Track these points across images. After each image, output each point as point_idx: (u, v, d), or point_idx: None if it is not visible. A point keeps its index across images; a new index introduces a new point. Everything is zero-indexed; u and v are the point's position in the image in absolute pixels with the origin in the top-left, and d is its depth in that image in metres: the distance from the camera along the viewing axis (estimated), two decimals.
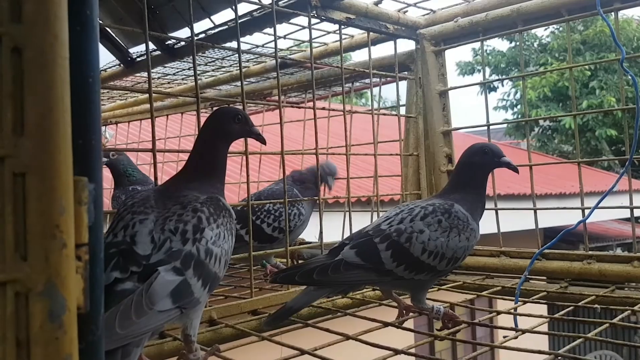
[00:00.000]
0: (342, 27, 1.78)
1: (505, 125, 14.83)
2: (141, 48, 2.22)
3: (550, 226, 5.38)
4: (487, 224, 1.88)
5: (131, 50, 2.28)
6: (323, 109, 1.78)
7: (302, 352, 1.08)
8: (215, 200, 1.04)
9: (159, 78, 2.67)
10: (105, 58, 2.43)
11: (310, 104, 1.72)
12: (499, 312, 1.40)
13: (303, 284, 1.24)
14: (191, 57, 2.27)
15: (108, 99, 3.23)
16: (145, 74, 2.60)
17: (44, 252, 0.56)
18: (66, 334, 0.56)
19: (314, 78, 1.62)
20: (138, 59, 2.25)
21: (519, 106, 14.24)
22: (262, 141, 1.19)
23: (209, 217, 0.98)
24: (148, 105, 3.03)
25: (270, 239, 1.88)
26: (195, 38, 1.90)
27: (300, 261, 2.14)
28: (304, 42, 1.82)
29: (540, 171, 8.05)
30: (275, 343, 1.14)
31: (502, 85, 14.70)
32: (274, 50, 1.62)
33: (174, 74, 2.62)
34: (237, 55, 2.40)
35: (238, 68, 2.45)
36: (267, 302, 1.40)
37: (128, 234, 0.92)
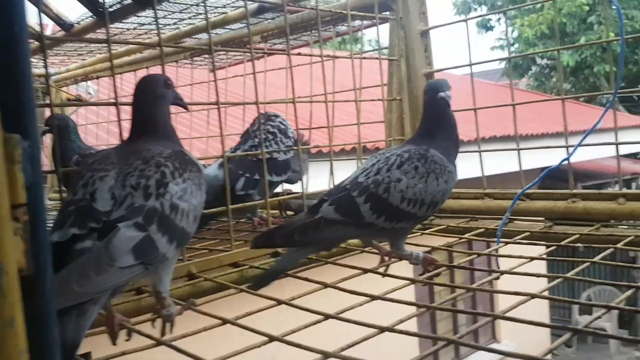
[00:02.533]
0: None
1: (503, 66, 14.58)
2: None
3: (546, 165, 5.38)
4: (475, 168, 1.86)
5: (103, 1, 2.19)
6: (299, 54, 1.72)
7: (280, 302, 1.08)
8: (180, 154, 1.02)
9: (134, 28, 2.58)
10: (79, 10, 2.35)
11: (292, 50, 1.66)
12: (478, 254, 1.40)
13: (285, 246, 1.22)
14: (164, 4, 2.19)
15: (88, 52, 3.14)
16: (120, 25, 2.52)
17: None
18: (6, 297, 0.55)
19: (287, 23, 1.55)
20: (111, 9, 2.16)
21: (516, 45, 13.94)
22: (185, 106, 1.19)
23: (173, 172, 0.96)
24: (127, 58, 2.95)
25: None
26: None
27: (288, 212, 2.13)
28: None
29: (537, 111, 7.98)
30: (254, 295, 1.13)
31: (499, 24, 14.37)
32: None
33: (149, 24, 2.52)
34: (215, 1, 2.32)
35: (216, 14, 2.37)
36: (248, 254, 1.40)
37: (88, 192, 0.90)
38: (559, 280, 1.13)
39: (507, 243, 1.49)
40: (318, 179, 2.08)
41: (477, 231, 1.63)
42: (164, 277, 0.98)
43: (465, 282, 6.66)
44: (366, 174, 1.24)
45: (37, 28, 2.48)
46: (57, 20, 2.33)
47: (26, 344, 0.57)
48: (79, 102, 3.22)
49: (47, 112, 3.65)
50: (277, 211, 2.13)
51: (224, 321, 0.98)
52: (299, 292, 1.11)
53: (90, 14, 2.28)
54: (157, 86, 1.08)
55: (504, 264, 1.33)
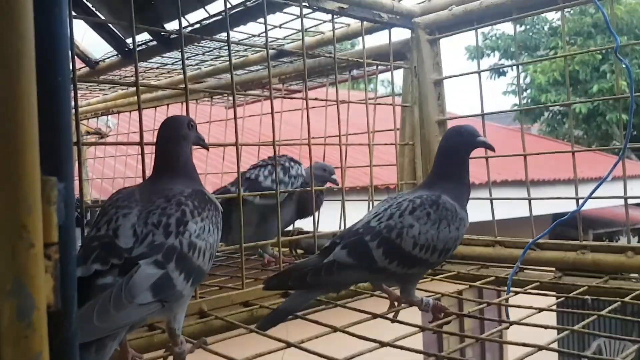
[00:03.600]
0: (335, 16, 1.77)
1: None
2: (138, 38, 2.22)
3: (560, 212, 5.35)
4: (485, 213, 1.88)
5: (128, 41, 2.28)
6: (316, 99, 1.77)
7: (289, 344, 1.09)
8: (200, 193, 1.05)
9: (157, 68, 2.67)
10: (104, 48, 2.44)
11: (308, 92, 1.72)
12: (489, 303, 1.41)
13: (297, 289, 1.24)
14: (187, 47, 2.28)
15: (109, 87, 3.24)
16: (144, 64, 2.60)
17: (11, 252, 0.57)
18: (35, 332, 0.57)
19: (305, 68, 1.62)
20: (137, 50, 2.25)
21: (528, 90, 14.09)
22: (206, 147, 1.24)
23: (193, 211, 0.99)
24: (149, 95, 3.04)
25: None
26: (190, 29, 1.91)
27: (299, 250, 2.15)
28: (299, 31, 1.81)
29: (549, 156, 7.98)
30: (263, 335, 1.15)
31: (512, 70, 14.54)
32: (270, 39, 1.61)
33: (172, 64, 2.62)
34: (235, 46, 2.41)
35: (237, 57, 2.45)
36: (259, 293, 1.41)
37: (111, 228, 0.93)
38: (566, 332, 1.13)
39: (517, 292, 1.49)
40: (328, 218, 2.10)
41: (488, 279, 1.64)
42: (179, 315, 1.00)
43: (474, 330, 6.54)
44: (378, 218, 1.27)
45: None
46: (83, 57, 2.42)
47: None
48: (102, 140, 3.31)
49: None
50: (287, 249, 2.15)
51: None
52: (308, 335, 1.13)
53: (115, 52, 2.38)
54: (181, 127, 1.12)
55: (514, 313, 1.34)
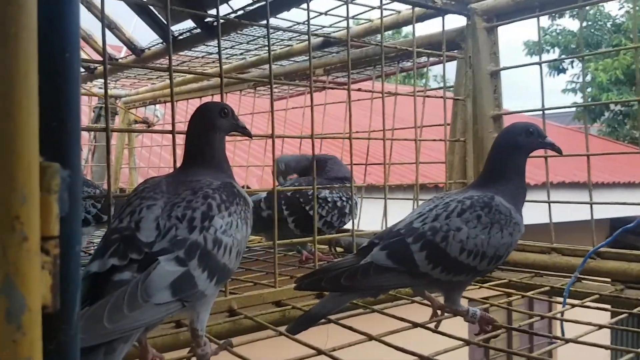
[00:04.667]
0: (385, 2, 1.66)
1: (574, 109, 14.07)
2: (183, 26, 2.19)
3: (618, 216, 5.03)
4: (542, 215, 1.74)
5: (173, 28, 2.25)
6: (359, 89, 1.67)
7: (319, 352, 1.01)
8: (229, 186, 0.98)
9: (202, 57, 2.64)
10: (149, 36, 2.42)
11: (354, 84, 1.63)
12: (542, 317, 1.28)
13: (330, 290, 1.15)
14: (231, 35, 2.23)
15: (157, 77, 3.25)
16: (190, 53, 2.57)
17: (1, 246, 0.51)
18: (25, 335, 0.51)
19: (350, 58, 1.52)
20: (180, 37, 2.22)
21: (589, 89, 13.44)
22: (248, 134, 1.16)
23: (220, 205, 0.92)
24: (195, 85, 3.02)
25: (318, 232, 1.76)
26: (233, 15, 1.85)
27: (338, 249, 2.07)
28: (345, 18, 1.71)
29: (608, 159, 7.56)
30: (293, 340, 1.07)
31: (572, 67, 13.92)
32: (315, 27, 1.53)
33: (217, 53, 2.57)
34: (283, 33, 2.34)
35: (281, 46, 2.38)
36: (292, 293, 1.34)
37: (134, 220, 0.87)
38: (631, 356, 1.00)
39: (573, 305, 1.36)
40: (370, 217, 2.01)
41: (542, 289, 1.50)
42: (202, 315, 0.93)
43: (523, 345, 6.26)
44: (423, 219, 1.17)
45: (109, 51, 2.58)
46: (129, 44, 2.41)
47: None
48: (130, 128, 3.32)
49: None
50: (327, 246, 2.07)
51: None
52: (341, 342, 1.04)
53: (161, 40, 2.35)
54: (212, 115, 1.05)
55: (569, 329, 1.21)
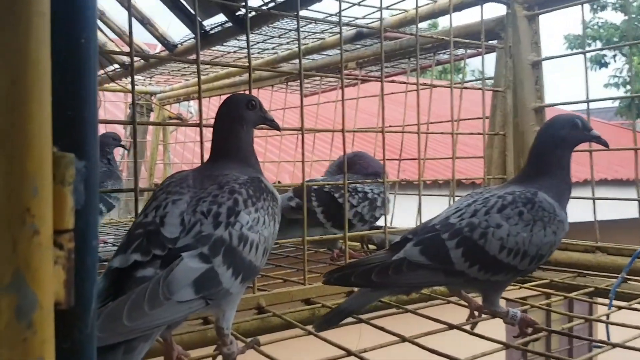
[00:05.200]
0: None
1: (616, 104, 13.58)
2: (215, 20, 2.17)
3: None
4: (585, 212, 1.65)
5: (205, 23, 2.24)
6: (392, 81, 1.62)
7: (349, 352, 0.97)
8: (256, 181, 0.95)
9: (235, 52, 2.62)
10: (181, 32, 2.42)
11: (388, 78, 1.57)
12: (586, 320, 1.20)
13: (360, 286, 1.11)
14: (263, 28, 2.20)
15: (191, 73, 3.25)
16: (222, 48, 2.56)
17: (11, 239, 0.48)
18: (36, 334, 0.49)
19: (382, 47, 1.47)
20: (211, 32, 2.20)
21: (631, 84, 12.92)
22: (276, 127, 1.12)
23: (246, 200, 0.89)
24: (227, 81, 3.02)
25: (350, 225, 1.68)
26: (265, 7, 1.81)
27: (370, 246, 2.02)
28: (379, 9, 1.65)
29: None
30: (321, 339, 1.03)
31: (615, 61, 13.41)
32: (348, 19, 1.48)
33: (250, 47, 2.55)
34: (315, 25, 2.30)
35: (314, 40, 2.34)
36: (321, 290, 1.30)
37: (159, 215, 0.85)
38: None
39: (620, 308, 1.27)
40: (403, 214, 1.95)
41: (585, 290, 1.42)
42: (228, 313, 0.90)
43: (561, 349, 6.05)
44: (460, 214, 1.11)
45: (144, 47, 2.59)
46: (162, 40, 2.41)
47: None
48: (158, 121, 3.34)
49: (150, 128, 3.84)
50: (359, 244, 2.03)
51: None
52: (372, 342, 1.00)
53: (193, 35, 2.35)
54: (238, 108, 1.02)
55: (615, 332, 1.13)
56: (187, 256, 0.78)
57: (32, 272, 0.49)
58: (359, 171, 1.82)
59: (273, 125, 1.10)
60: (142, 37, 3.71)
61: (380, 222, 1.89)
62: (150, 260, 0.78)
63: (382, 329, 1.08)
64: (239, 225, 0.85)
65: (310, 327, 1.07)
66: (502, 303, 1.18)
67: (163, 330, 0.77)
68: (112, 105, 4.32)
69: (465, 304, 1.23)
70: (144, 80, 3.51)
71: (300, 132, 1.29)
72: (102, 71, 2.92)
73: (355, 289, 1.26)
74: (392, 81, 1.64)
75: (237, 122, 1.01)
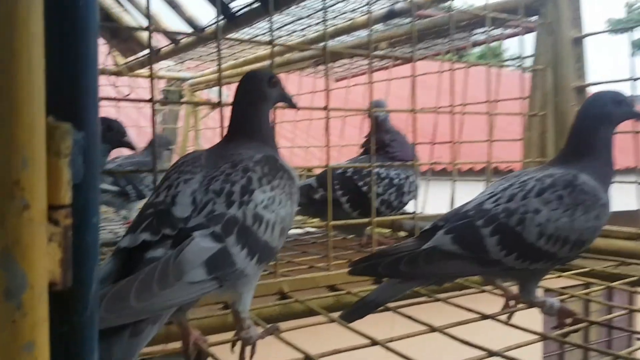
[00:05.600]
0: None
1: None
2: (241, 1, 2.13)
3: None
4: (629, 199, 1.55)
5: (232, 5, 2.20)
6: (424, 58, 1.54)
7: (375, 342, 0.92)
8: (271, 159, 0.91)
9: (264, 34, 2.57)
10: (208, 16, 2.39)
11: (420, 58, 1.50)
12: (631, 310, 1.11)
13: (388, 277, 1.05)
14: (292, 8, 2.14)
15: (220, 58, 3.22)
16: (252, 30, 2.52)
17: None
18: (26, 316, 0.45)
19: (414, 25, 1.39)
20: (238, 13, 2.16)
21: None
22: (294, 105, 1.08)
23: (261, 178, 0.85)
24: (259, 65, 2.97)
25: (377, 214, 1.59)
26: None
27: (401, 233, 1.95)
28: None
29: None
30: (346, 328, 0.98)
31: None
32: None
33: (278, 29, 2.50)
34: (344, 5, 2.23)
35: (343, 20, 2.27)
36: (347, 277, 1.24)
37: (170, 194, 0.82)
38: None
39: None
40: (436, 200, 1.88)
41: (628, 279, 1.33)
42: (245, 296, 0.86)
43: (599, 341, 5.84)
44: (495, 199, 1.04)
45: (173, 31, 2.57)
46: (190, 22, 2.38)
47: None
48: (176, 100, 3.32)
49: (182, 112, 3.85)
50: (389, 230, 1.96)
51: (307, 357, 0.84)
52: (399, 332, 0.94)
53: (221, 17, 2.31)
54: (259, 84, 0.98)
55: None
56: (198, 235, 0.75)
57: (22, 250, 0.45)
58: (389, 152, 1.76)
59: (291, 104, 1.06)
60: (172, 24, 3.69)
61: (411, 208, 1.82)
62: (161, 240, 0.75)
63: (411, 318, 1.03)
64: (253, 204, 0.81)
65: (334, 315, 1.03)
66: (540, 293, 1.11)
67: (173, 312, 0.73)
68: (145, 92, 4.35)
69: (501, 293, 1.16)
70: (175, 65, 3.51)
71: (325, 110, 1.24)
72: (133, 57, 2.93)
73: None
74: (424, 57, 1.55)
75: (257, 99, 0.96)
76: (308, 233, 2.01)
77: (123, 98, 1.41)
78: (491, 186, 1.12)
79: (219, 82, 1.22)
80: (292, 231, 2.15)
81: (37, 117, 0.46)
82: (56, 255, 0.50)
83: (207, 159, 0.89)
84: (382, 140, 1.75)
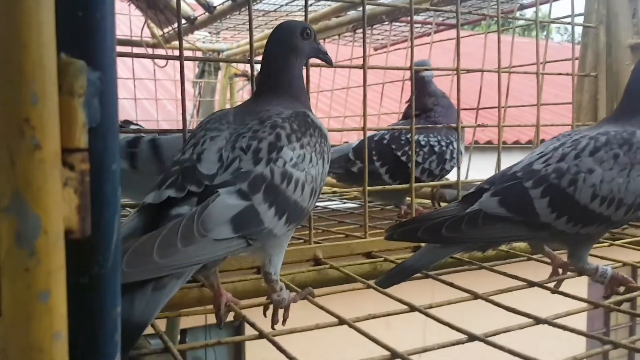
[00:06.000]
0: None
1: None
2: None
3: None
4: None
5: None
6: (470, 12, 1.45)
7: (413, 308, 0.87)
8: (302, 115, 0.86)
9: (293, 1, 2.51)
10: None
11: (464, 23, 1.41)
12: None
13: (429, 242, 1.00)
14: None
15: (255, 28, 3.18)
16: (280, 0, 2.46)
17: (9, 154, 0.42)
18: (40, 263, 0.42)
19: None
20: None
21: None
22: (329, 61, 1.03)
23: (290, 135, 0.81)
24: None
25: (417, 181, 1.53)
26: None
27: (442, 203, 1.88)
28: None
29: None
30: (382, 294, 0.94)
31: None
32: None
33: None
34: None
35: None
36: (384, 244, 1.20)
37: (196, 152, 0.79)
38: None
39: None
40: (480, 168, 1.80)
41: None
42: (275, 258, 0.83)
43: None
44: (545, 159, 0.97)
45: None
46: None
47: (64, 324, 0.45)
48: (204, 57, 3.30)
49: (219, 86, 3.84)
50: (429, 201, 1.90)
51: (341, 321, 0.81)
52: (438, 299, 0.89)
53: None
54: (291, 36, 0.92)
55: None
56: (224, 192, 0.72)
57: (33, 193, 0.42)
58: (430, 119, 1.68)
59: (326, 59, 1.01)
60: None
61: (453, 177, 1.75)
62: (186, 197, 0.73)
63: (451, 284, 0.98)
64: (281, 162, 0.78)
65: (371, 282, 0.99)
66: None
67: (198, 269, 0.71)
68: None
69: (548, 261, 1.09)
70: (211, 37, 3.49)
71: (362, 68, 1.18)
72: (169, 28, 2.92)
73: (422, 245, 1.16)
74: (470, 12, 1.46)
75: (289, 51, 0.91)
76: (346, 203, 1.98)
77: (153, 55, 1.37)
78: (540, 146, 1.05)
79: (250, 48, 1.16)
80: (330, 204, 2.11)
81: (46, 50, 0.43)
82: (72, 202, 0.47)
83: (235, 116, 0.86)
84: (424, 104, 1.68)
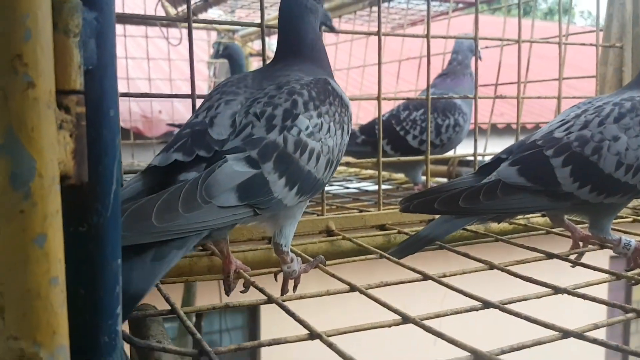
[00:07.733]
0: None
1: None
2: None
3: None
4: None
5: None
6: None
7: (425, 277, 0.85)
8: (322, 82, 0.83)
9: None
10: None
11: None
12: None
13: (445, 214, 0.96)
14: None
15: (270, 6, 3.14)
16: None
17: (1, 91, 0.40)
18: (36, 206, 0.41)
19: None
20: None
21: None
22: (333, 28, 1.00)
23: (307, 102, 0.78)
24: None
25: (418, 153, 1.64)
26: None
27: None
28: None
29: None
30: (396, 263, 0.92)
31: None
32: None
33: None
34: None
35: None
36: (398, 217, 1.17)
37: (209, 116, 0.77)
38: None
39: None
40: (499, 142, 1.76)
41: None
42: (286, 229, 0.81)
43: None
44: (567, 127, 0.93)
45: None
46: None
47: (62, 270, 0.43)
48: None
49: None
50: (446, 179, 1.87)
51: (352, 288, 0.79)
52: (453, 269, 0.87)
53: None
54: None
55: None
56: (232, 159, 0.70)
57: (27, 132, 0.41)
58: (448, 83, 1.75)
59: (331, 26, 0.97)
60: None
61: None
62: (194, 162, 0.70)
63: (466, 255, 0.95)
64: (296, 130, 0.75)
65: (384, 252, 0.96)
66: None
67: (202, 238, 0.68)
68: (196, 43, 4.34)
69: (567, 234, 1.06)
70: (226, 16, 3.46)
71: (377, 35, 1.14)
72: (182, 7, 2.89)
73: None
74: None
75: (305, 10, 0.88)
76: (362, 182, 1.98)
77: (160, 17, 1.35)
78: (561, 114, 1.01)
79: (261, 27, 1.13)
80: (346, 184, 2.09)
81: None
82: (68, 145, 0.45)
83: (253, 79, 0.83)
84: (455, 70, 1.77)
